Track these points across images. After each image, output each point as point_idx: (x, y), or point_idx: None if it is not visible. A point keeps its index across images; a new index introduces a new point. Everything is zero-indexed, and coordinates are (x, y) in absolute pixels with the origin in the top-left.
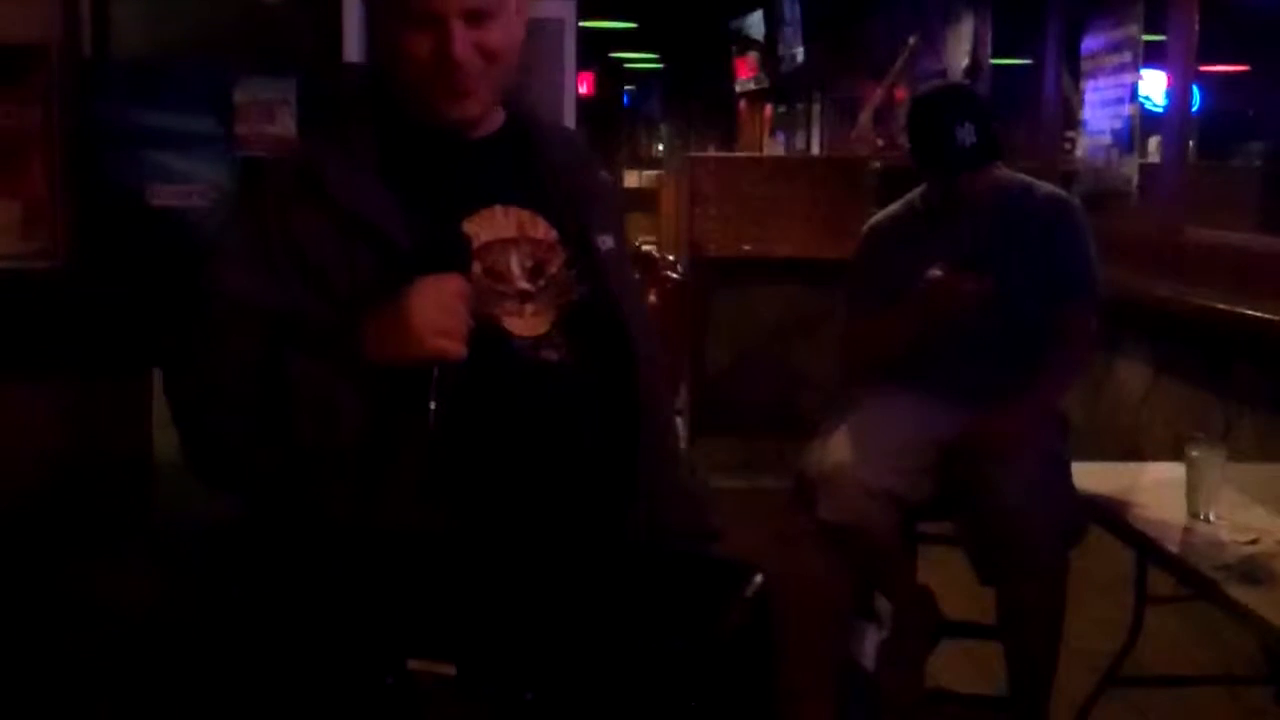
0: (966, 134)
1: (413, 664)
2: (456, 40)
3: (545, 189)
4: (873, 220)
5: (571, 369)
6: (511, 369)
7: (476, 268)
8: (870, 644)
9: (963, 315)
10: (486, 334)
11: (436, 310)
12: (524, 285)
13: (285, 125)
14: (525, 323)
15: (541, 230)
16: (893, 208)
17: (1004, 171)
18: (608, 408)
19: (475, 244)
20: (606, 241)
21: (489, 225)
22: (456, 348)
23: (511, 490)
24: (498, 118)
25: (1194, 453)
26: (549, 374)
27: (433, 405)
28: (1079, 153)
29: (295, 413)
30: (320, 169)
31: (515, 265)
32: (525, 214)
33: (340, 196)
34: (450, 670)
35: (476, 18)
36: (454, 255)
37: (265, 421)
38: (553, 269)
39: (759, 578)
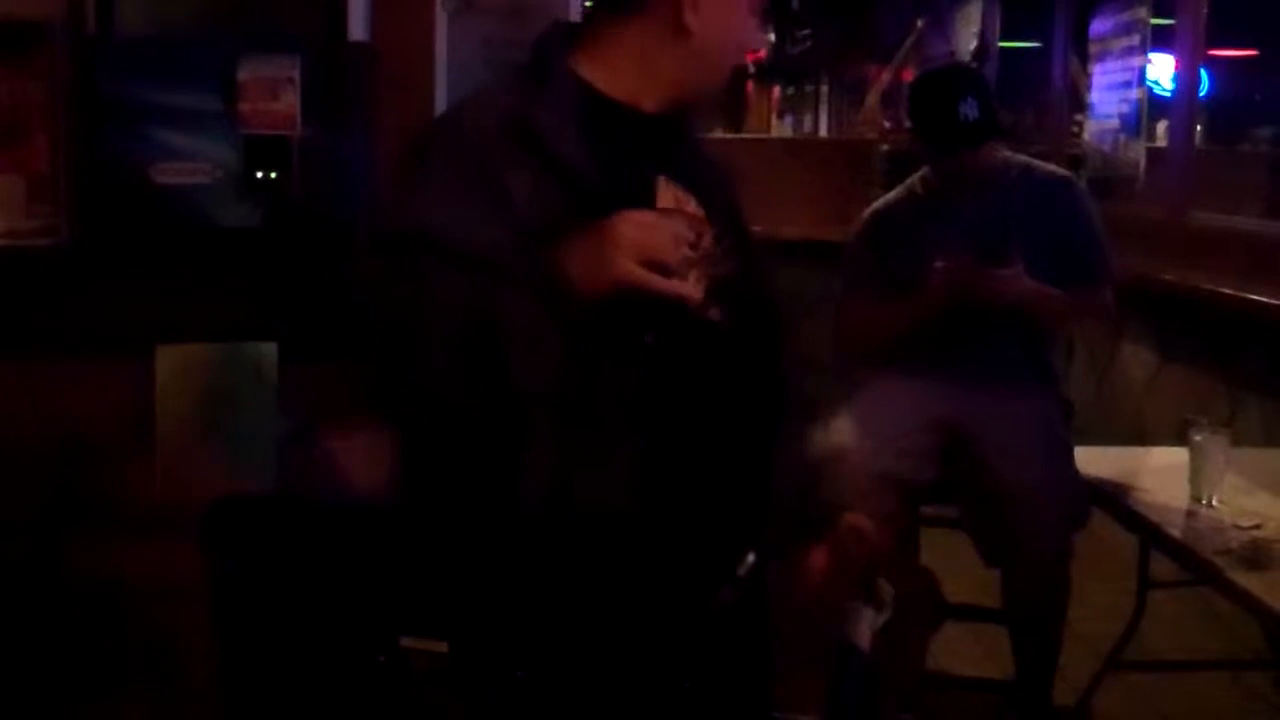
0: (969, 109)
1: (405, 642)
2: None
3: (697, 171)
4: (872, 206)
5: (732, 331)
6: (684, 324)
7: None
8: (865, 625)
9: (987, 300)
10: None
11: (636, 231)
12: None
13: (288, 102)
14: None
15: (693, 207)
16: (892, 194)
17: (1004, 152)
18: (758, 372)
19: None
20: (749, 226)
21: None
22: (658, 281)
23: (686, 436)
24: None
25: (1198, 437)
26: (715, 332)
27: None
28: (1086, 136)
29: (505, 345)
30: (529, 115)
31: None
32: (680, 190)
33: (549, 140)
34: (442, 648)
35: None
36: (643, 198)
37: (473, 357)
38: (705, 242)
39: (751, 556)
